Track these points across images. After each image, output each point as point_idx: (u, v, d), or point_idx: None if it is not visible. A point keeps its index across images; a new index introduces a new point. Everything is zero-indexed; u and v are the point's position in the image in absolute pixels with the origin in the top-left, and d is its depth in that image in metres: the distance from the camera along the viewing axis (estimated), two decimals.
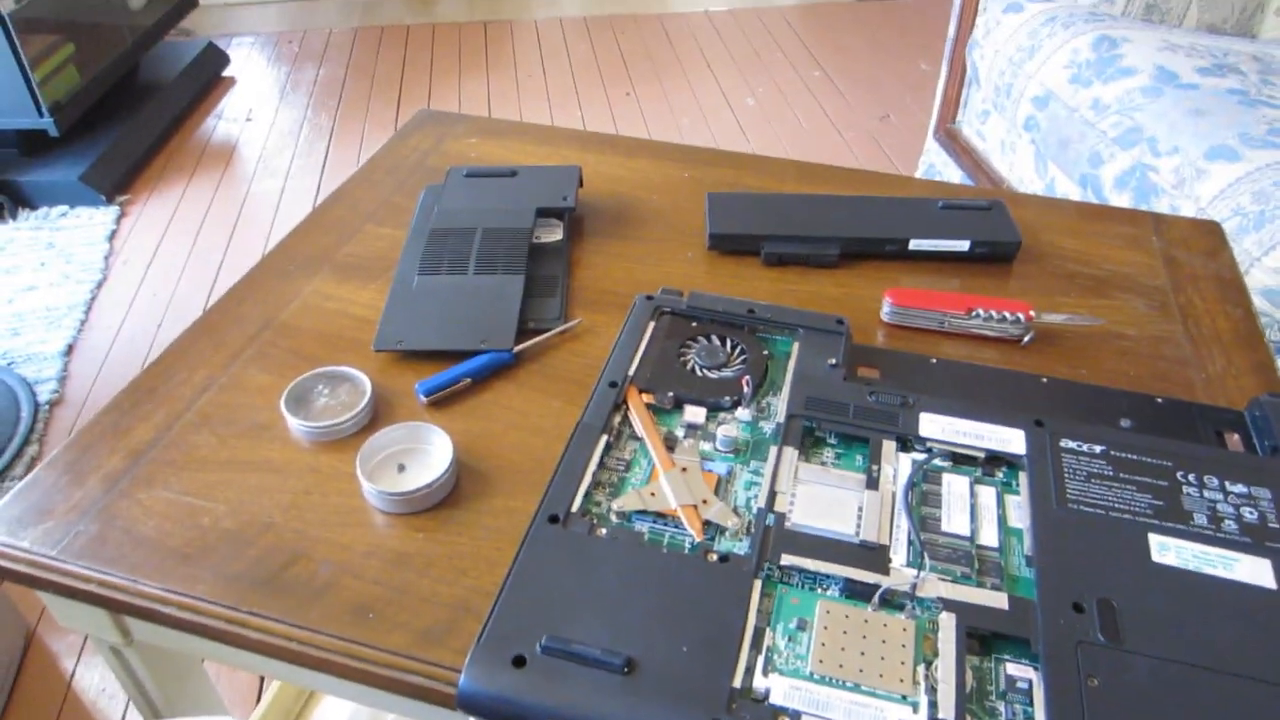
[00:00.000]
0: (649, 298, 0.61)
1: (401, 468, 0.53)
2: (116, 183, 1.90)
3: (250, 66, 2.50)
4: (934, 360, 0.59)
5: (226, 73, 2.45)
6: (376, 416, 0.57)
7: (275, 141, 2.13)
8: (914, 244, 0.70)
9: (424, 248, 0.68)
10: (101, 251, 1.73)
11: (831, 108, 2.25)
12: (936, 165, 1.60)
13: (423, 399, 0.57)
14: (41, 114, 1.74)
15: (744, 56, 2.51)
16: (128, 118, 2.01)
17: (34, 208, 1.84)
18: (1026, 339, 0.63)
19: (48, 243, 1.75)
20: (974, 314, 0.63)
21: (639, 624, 0.41)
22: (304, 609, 0.45)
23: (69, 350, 1.52)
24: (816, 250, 0.70)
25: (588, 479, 0.48)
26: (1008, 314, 0.62)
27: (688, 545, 0.45)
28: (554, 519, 0.45)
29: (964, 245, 0.70)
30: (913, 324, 0.64)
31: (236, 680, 1.07)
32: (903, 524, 0.45)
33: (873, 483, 0.48)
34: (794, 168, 0.83)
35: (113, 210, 1.84)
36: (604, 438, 0.50)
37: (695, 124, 2.18)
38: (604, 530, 0.45)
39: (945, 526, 0.46)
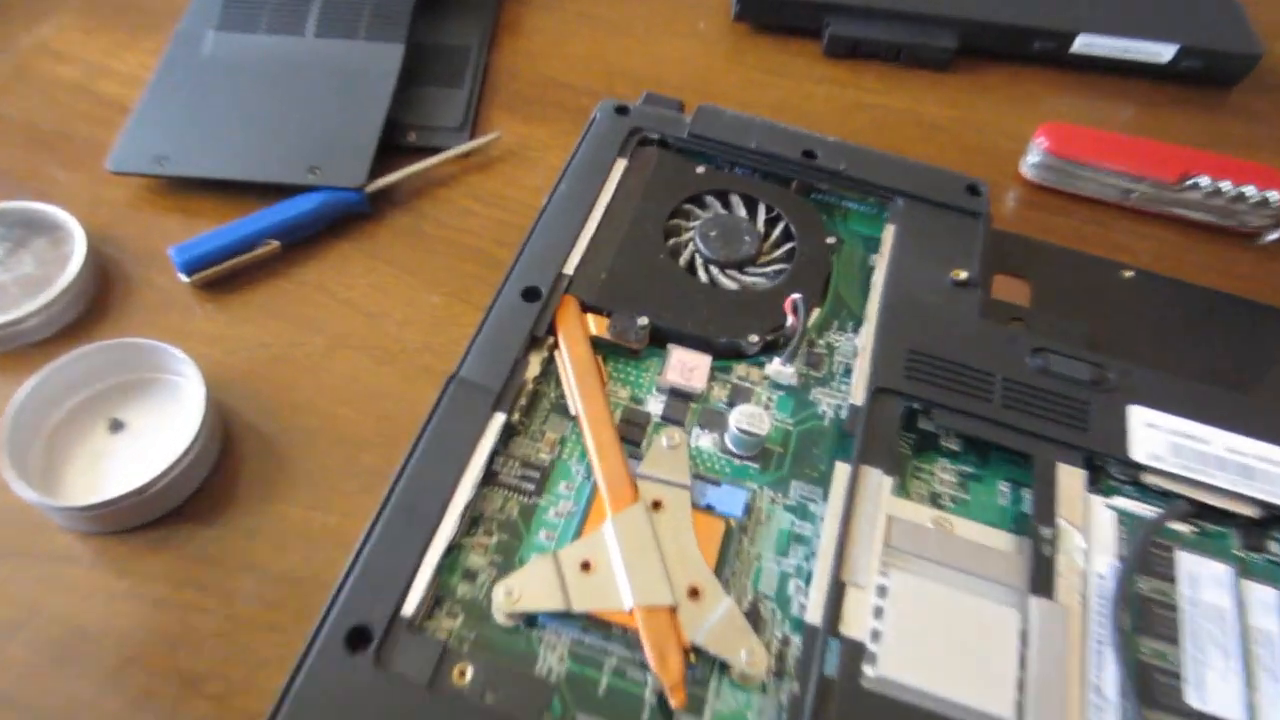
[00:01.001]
0: (622, 110, 0.33)
1: (117, 426, 0.27)
2: None
3: None
4: (1129, 273, 0.33)
5: None
6: (95, 310, 0.30)
7: None
8: (1081, 42, 0.41)
9: None
10: None
11: None
12: None
13: (184, 278, 0.31)
14: None
15: None
16: None
17: None
18: (1272, 236, 0.36)
19: None
20: (1189, 182, 0.36)
21: None
22: None
23: None
24: (916, 38, 0.41)
25: (450, 523, 0.23)
26: (1251, 190, 0.35)
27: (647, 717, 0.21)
28: (360, 638, 0.21)
29: (1167, 52, 0.41)
30: (1075, 189, 0.37)
31: None
32: (1109, 681, 0.22)
33: (1042, 580, 0.23)
34: None
35: None
36: (498, 417, 0.25)
37: None
38: (469, 671, 0.21)
39: (1192, 696, 0.22)
